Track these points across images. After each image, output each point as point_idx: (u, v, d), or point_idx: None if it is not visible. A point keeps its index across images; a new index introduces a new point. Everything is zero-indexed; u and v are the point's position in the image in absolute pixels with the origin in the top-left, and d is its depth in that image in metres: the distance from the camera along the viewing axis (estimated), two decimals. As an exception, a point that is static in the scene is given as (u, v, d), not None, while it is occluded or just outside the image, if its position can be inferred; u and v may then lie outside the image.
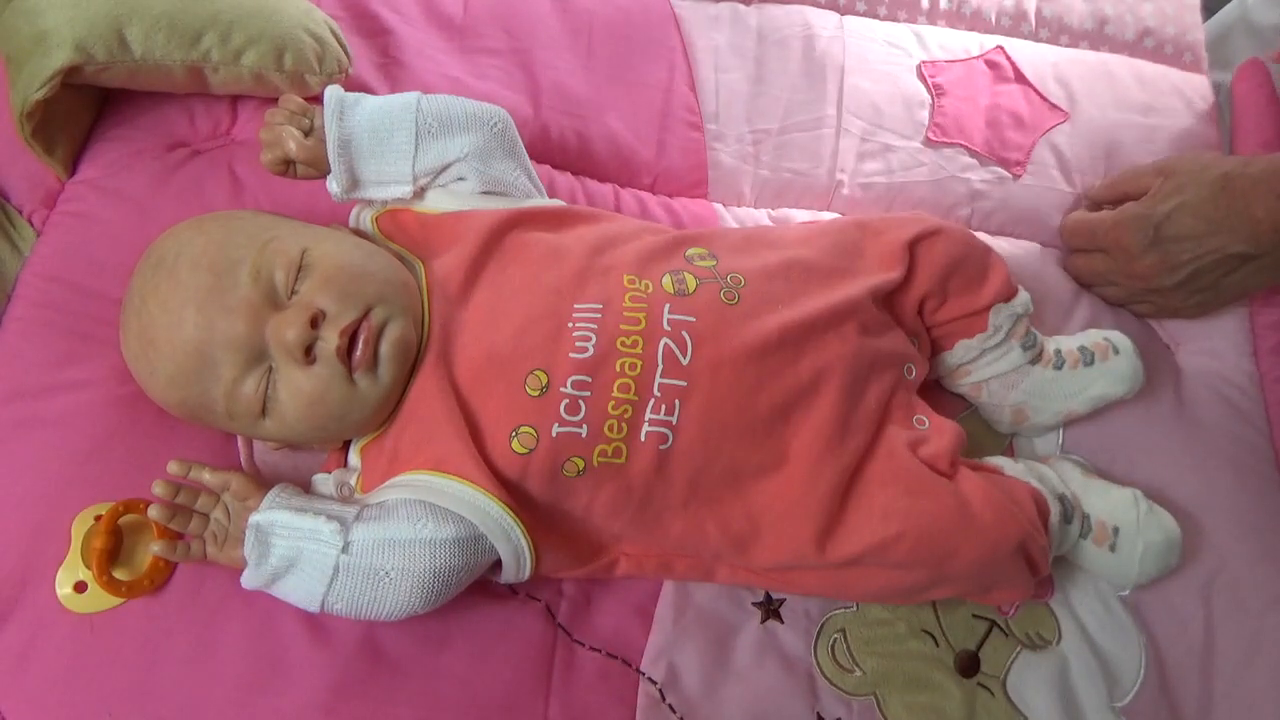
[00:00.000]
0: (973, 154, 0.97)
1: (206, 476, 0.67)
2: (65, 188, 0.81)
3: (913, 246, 0.78)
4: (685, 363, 0.67)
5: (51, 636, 0.66)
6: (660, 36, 0.99)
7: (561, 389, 0.65)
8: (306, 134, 0.72)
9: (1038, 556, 0.72)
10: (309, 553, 0.63)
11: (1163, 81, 1.06)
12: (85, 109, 0.82)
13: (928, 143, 0.97)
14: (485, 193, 0.75)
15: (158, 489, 0.66)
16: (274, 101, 0.76)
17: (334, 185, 0.72)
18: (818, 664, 0.74)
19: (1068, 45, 1.08)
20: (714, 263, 0.73)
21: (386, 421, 0.68)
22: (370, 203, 0.75)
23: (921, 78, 1.00)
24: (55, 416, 0.71)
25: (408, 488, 0.65)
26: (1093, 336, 0.85)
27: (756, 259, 0.74)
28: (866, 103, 0.98)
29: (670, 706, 0.71)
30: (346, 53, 0.85)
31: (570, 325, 0.67)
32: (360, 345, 0.64)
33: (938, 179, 0.96)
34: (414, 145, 0.72)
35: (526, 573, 0.67)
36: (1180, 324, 0.93)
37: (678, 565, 0.72)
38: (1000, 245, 0.92)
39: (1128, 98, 1.03)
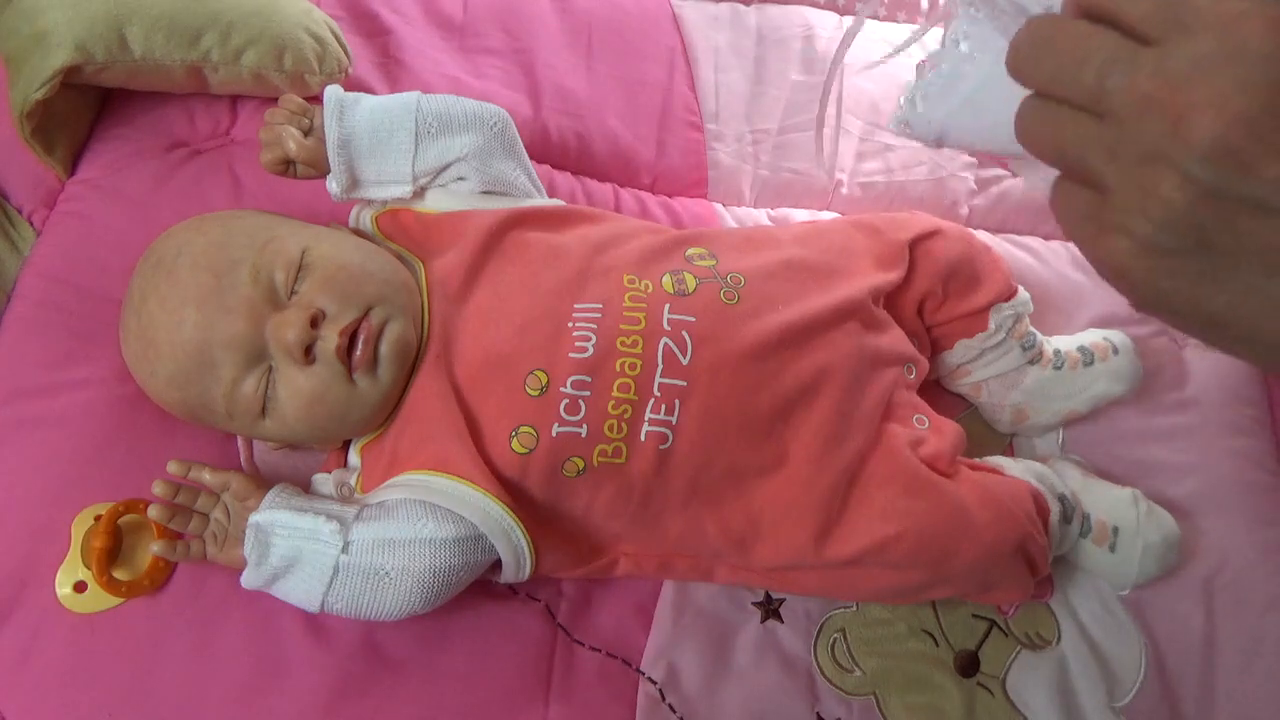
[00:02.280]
0: (972, 153, 0.97)
1: (206, 476, 0.67)
2: (65, 188, 0.81)
3: (913, 246, 0.78)
4: (685, 363, 0.67)
5: (51, 636, 0.66)
6: (660, 36, 0.99)
7: (561, 389, 0.65)
8: (306, 134, 0.72)
9: (1037, 556, 0.72)
10: (309, 552, 0.63)
11: (1162, 82, 1.06)
12: (85, 109, 0.82)
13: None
14: (485, 192, 0.75)
15: (158, 489, 0.66)
16: (274, 101, 0.76)
17: (334, 185, 0.72)
18: (817, 664, 0.74)
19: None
20: (714, 262, 0.73)
21: (386, 421, 0.68)
22: (370, 202, 0.75)
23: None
24: (55, 416, 0.71)
25: (407, 488, 0.65)
26: (1092, 336, 0.85)
27: (756, 259, 0.74)
28: (866, 102, 0.98)
29: (670, 706, 0.71)
30: (346, 53, 0.85)
31: (570, 325, 0.67)
32: (360, 345, 0.64)
33: (937, 178, 0.96)
34: (414, 145, 0.72)
35: (526, 573, 0.67)
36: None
37: (678, 565, 0.72)
38: (1000, 244, 0.93)
39: (1127, 98, 1.03)
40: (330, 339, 0.64)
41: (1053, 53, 0.35)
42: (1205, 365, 0.89)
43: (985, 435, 0.85)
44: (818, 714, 0.73)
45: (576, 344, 0.66)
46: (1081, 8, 0.36)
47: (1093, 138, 0.34)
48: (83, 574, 0.67)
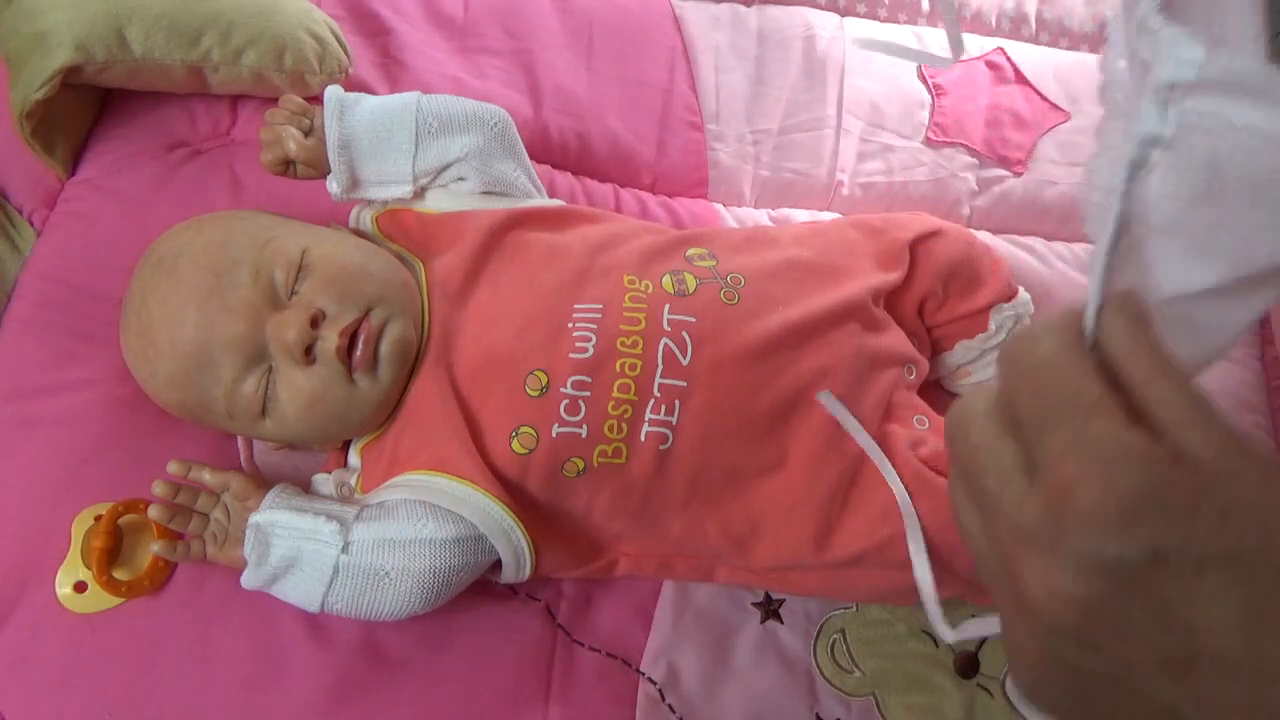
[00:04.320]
0: (973, 153, 0.97)
1: (206, 476, 0.67)
2: (65, 188, 0.81)
3: (913, 247, 0.78)
4: (685, 363, 0.67)
5: (51, 636, 0.66)
6: (661, 36, 0.99)
7: (561, 389, 0.65)
8: (306, 134, 0.72)
9: (1037, 557, 0.72)
10: (309, 553, 0.63)
11: (1163, 83, 1.05)
12: (85, 109, 0.82)
13: (928, 142, 0.97)
14: (485, 192, 0.75)
15: (158, 489, 0.66)
16: (274, 101, 0.76)
17: (334, 185, 0.72)
18: (817, 664, 0.74)
19: (1068, 48, 1.08)
20: (714, 263, 0.73)
21: (386, 422, 0.68)
22: (370, 202, 0.75)
23: (921, 78, 1.00)
24: (55, 416, 0.71)
25: (408, 488, 0.65)
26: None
27: (757, 259, 0.74)
28: (866, 103, 0.98)
29: (670, 706, 0.71)
30: (346, 53, 0.85)
31: (570, 325, 0.67)
32: (360, 345, 0.64)
33: (938, 178, 0.96)
34: (414, 145, 0.72)
35: (526, 573, 0.67)
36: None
37: (678, 565, 0.72)
38: (1001, 245, 0.93)
39: (1128, 99, 1.03)
40: (330, 339, 0.64)
41: (961, 448, 0.31)
42: (1208, 371, 0.89)
43: (985, 436, 0.85)
44: (817, 715, 0.73)
45: (576, 344, 0.66)
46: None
47: (985, 558, 0.31)
48: (83, 574, 0.67)
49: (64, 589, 0.67)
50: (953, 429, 0.32)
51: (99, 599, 0.67)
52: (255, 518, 0.64)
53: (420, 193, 0.74)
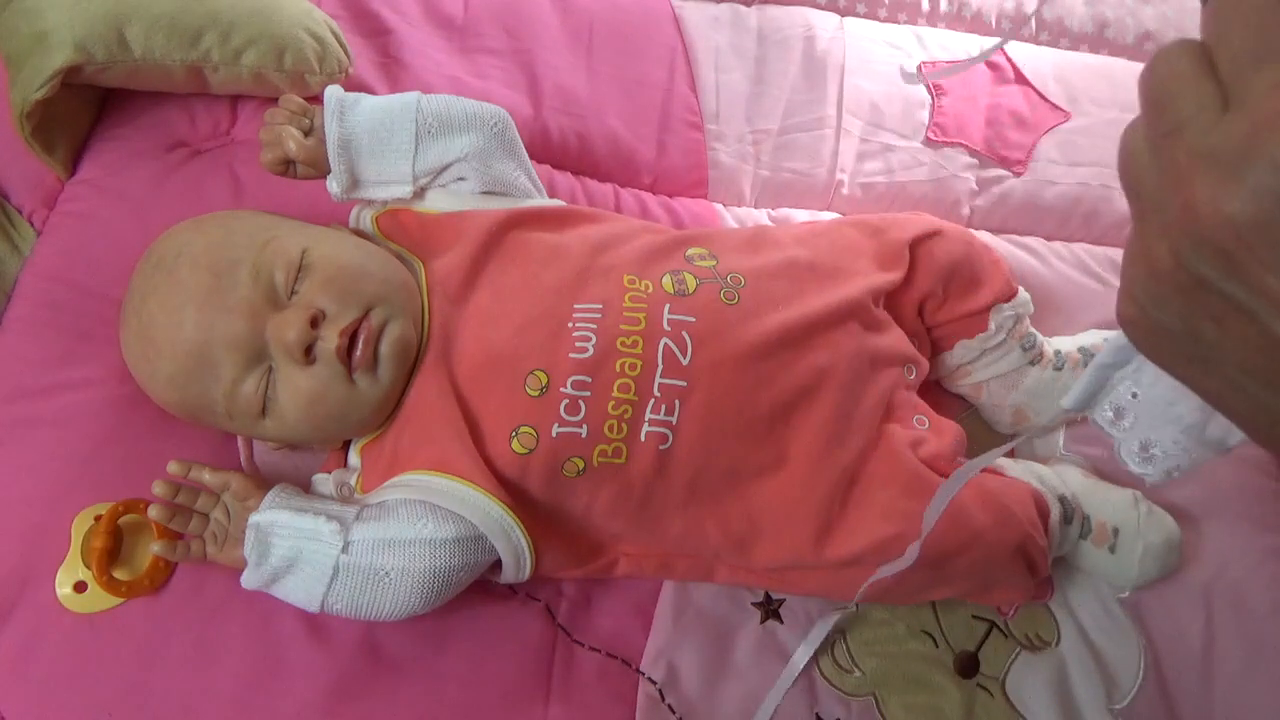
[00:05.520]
0: (973, 153, 0.97)
1: (206, 476, 0.67)
2: (65, 188, 0.81)
3: (913, 247, 0.78)
4: (685, 363, 0.67)
5: (51, 636, 0.66)
6: (661, 37, 0.99)
7: (561, 389, 0.65)
8: (306, 134, 0.72)
9: (1037, 557, 0.72)
10: (309, 553, 0.63)
11: (1163, 83, 1.05)
12: (85, 109, 0.82)
13: (928, 142, 0.97)
14: (485, 193, 0.75)
15: (158, 489, 0.66)
16: (274, 101, 0.76)
17: (334, 185, 0.72)
18: (817, 664, 0.74)
19: (1068, 48, 1.08)
20: (714, 263, 0.73)
21: (386, 422, 0.68)
22: (370, 202, 0.75)
23: (922, 78, 1.00)
24: (55, 416, 0.71)
25: (408, 488, 0.65)
26: (1093, 337, 0.85)
27: (756, 259, 0.74)
28: (866, 103, 0.98)
29: (670, 706, 0.71)
30: (346, 53, 0.85)
31: (570, 325, 0.67)
32: (360, 345, 0.64)
33: (938, 178, 0.96)
34: (414, 145, 0.72)
35: (526, 573, 0.67)
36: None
37: (678, 565, 0.72)
38: (1001, 245, 0.93)
39: (1129, 99, 1.03)
40: (330, 339, 0.64)
41: (1153, 82, 0.33)
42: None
43: (985, 435, 0.85)
44: (817, 714, 0.73)
45: (576, 344, 0.66)
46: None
47: (1144, 179, 0.33)
48: (83, 574, 0.67)
49: (64, 589, 0.67)
50: (1151, 63, 0.33)
51: (99, 599, 0.67)
52: (255, 518, 0.64)
53: (420, 193, 0.74)
